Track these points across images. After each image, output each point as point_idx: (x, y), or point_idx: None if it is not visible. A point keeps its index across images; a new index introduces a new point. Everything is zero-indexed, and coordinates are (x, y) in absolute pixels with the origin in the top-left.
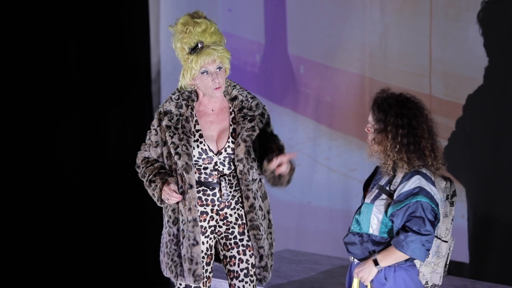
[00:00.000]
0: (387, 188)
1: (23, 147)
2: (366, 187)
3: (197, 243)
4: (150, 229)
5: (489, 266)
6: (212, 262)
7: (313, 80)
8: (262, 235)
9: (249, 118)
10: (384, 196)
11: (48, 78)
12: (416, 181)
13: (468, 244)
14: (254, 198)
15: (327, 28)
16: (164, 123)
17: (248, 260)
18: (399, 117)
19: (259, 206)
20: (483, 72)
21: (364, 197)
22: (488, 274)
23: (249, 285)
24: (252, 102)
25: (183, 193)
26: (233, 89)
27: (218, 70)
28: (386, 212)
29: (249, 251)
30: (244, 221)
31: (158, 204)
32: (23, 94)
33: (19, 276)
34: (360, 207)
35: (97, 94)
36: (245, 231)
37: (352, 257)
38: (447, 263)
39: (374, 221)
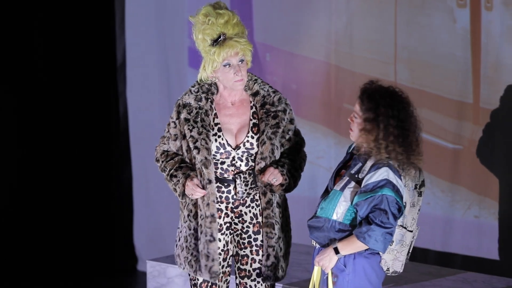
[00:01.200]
0: (356, 176)
1: None
2: (337, 175)
3: (214, 239)
4: (118, 218)
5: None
6: (229, 257)
7: (279, 68)
8: (275, 234)
9: (272, 114)
10: (352, 183)
11: (14, 67)
12: (383, 173)
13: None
14: (272, 194)
15: (293, 16)
16: (183, 116)
17: (261, 261)
18: (390, 108)
19: (277, 203)
20: (447, 59)
21: (334, 183)
22: None
23: (261, 285)
24: (274, 96)
25: (204, 188)
26: (254, 83)
27: (240, 62)
28: (352, 201)
29: (262, 251)
30: (259, 220)
31: (180, 199)
32: None
33: None
34: (326, 193)
35: (62, 81)
36: (260, 229)
37: (315, 242)
38: (410, 252)
39: (340, 208)
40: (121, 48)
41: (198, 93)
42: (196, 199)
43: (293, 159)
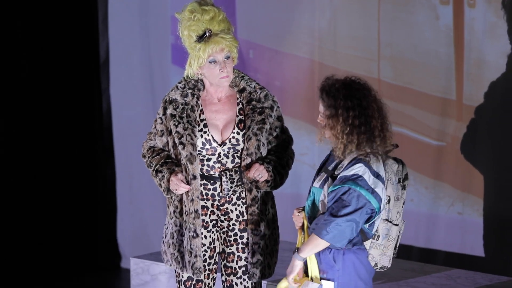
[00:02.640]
0: (333, 172)
1: None
2: (318, 173)
3: (197, 235)
4: (102, 215)
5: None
6: (215, 255)
7: (263, 65)
8: (261, 231)
9: (258, 110)
10: (330, 180)
11: None
12: (357, 169)
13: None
14: (258, 191)
15: (277, 13)
16: (169, 111)
17: (247, 258)
18: (349, 99)
19: (263, 200)
20: (431, 56)
21: (313, 181)
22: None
23: (247, 282)
24: (260, 93)
25: (188, 184)
26: (241, 80)
27: (226, 59)
28: None
29: (248, 249)
30: (245, 217)
31: (165, 194)
32: None
33: None
34: (310, 191)
35: (45, 79)
36: (246, 227)
37: None
38: (397, 246)
39: (322, 205)
40: (104, 45)
41: (185, 89)
42: (182, 195)
43: (280, 157)
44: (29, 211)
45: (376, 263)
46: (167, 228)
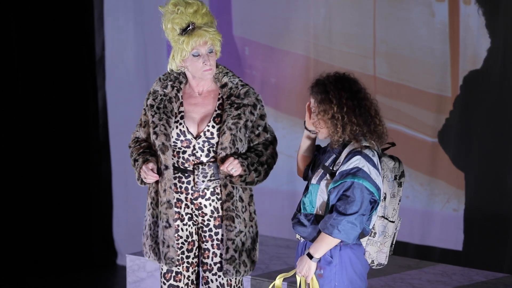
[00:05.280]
0: (331, 168)
1: None
2: (312, 169)
3: (170, 225)
4: (97, 212)
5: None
6: (195, 248)
7: (258, 62)
8: (235, 227)
9: (235, 106)
10: (328, 176)
11: None
12: (355, 162)
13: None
14: (233, 187)
15: (272, 9)
16: (148, 102)
17: (222, 254)
18: (339, 83)
19: (239, 196)
20: (426, 53)
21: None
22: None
23: (222, 279)
24: (241, 89)
25: (161, 174)
26: (224, 75)
27: (209, 52)
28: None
29: (223, 245)
30: (220, 214)
31: (139, 183)
32: None
33: None
34: (307, 188)
35: (40, 76)
36: (221, 223)
37: (299, 236)
38: (393, 243)
39: (320, 201)
40: (100, 41)
41: (166, 81)
42: (157, 186)
43: (259, 154)
44: (25, 208)
45: (373, 260)
46: (146, 220)
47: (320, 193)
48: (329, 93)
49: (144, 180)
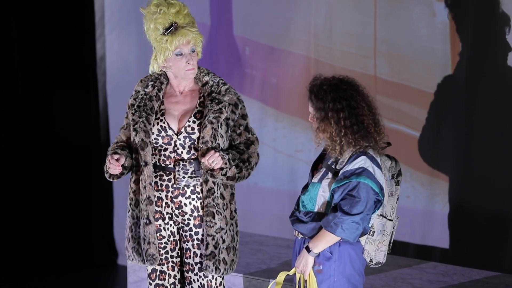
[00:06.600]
0: (333, 166)
1: None
2: (314, 168)
3: (150, 222)
4: (98, 212)
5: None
6: (178, 248)
7: (259, 62)
8: (216, 223)
9: (216, 101)
10: (330, 175)
11: None
12: (360, 162)
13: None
14: (214, 183)
15: (273, 9)
16: (130, 101)
17: (202, 251)
18: (337, 101)
19: (220, 194)
20: (427, 53)
21: (312, 177)
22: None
23: (203, 279)
24: (222, 87)
25: (139, 170)
26: (205, 75)
27: (191, 52)
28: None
29: (203, 243)
30: (200, 213)
31: (107, 177)
32: None
33: None
34: (306, 187)
35: (40, 75)
36: (201, 223)
37: (297, 232)
38: (391, 242)
39: (321, 200)
40: (101, 41)
41: (147, 81)
42: (138, 185)
43: (240, 152)
44: (25, 208)
45: (372, 259)
46: (126, 223)
47: (321, 192)
48: (327, 113)
49: (108, 170)
